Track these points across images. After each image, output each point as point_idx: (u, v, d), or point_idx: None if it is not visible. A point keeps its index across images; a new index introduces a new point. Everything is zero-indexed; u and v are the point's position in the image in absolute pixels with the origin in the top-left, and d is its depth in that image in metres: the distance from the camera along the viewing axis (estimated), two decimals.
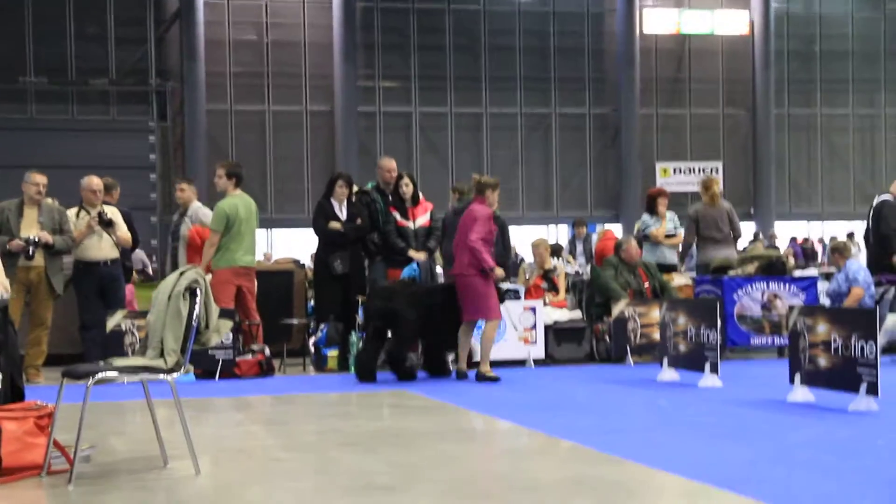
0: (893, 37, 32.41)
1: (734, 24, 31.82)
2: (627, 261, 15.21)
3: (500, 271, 12.90)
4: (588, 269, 17.70)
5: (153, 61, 27.90)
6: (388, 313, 12.67)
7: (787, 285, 15.36)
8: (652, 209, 17.03)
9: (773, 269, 15.86)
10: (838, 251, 16.28)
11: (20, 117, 26.39)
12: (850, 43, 32.25)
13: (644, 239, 16.73)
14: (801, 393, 10.05)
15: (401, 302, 12.70)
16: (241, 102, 28.47)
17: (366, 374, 12.59)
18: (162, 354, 6.93)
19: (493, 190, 12.77)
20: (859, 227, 28.89)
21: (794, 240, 29.24)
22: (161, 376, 6.88)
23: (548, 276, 16.42)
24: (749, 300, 15.18)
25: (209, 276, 12.65)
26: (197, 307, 6.89)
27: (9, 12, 26.60)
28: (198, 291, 6.91)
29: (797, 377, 10.14)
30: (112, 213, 13.54)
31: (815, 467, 6.87)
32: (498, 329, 13.89)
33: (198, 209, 14.58)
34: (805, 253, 28.46)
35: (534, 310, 14.40)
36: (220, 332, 8.63)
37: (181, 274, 7.08)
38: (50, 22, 27.14)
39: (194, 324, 6.87)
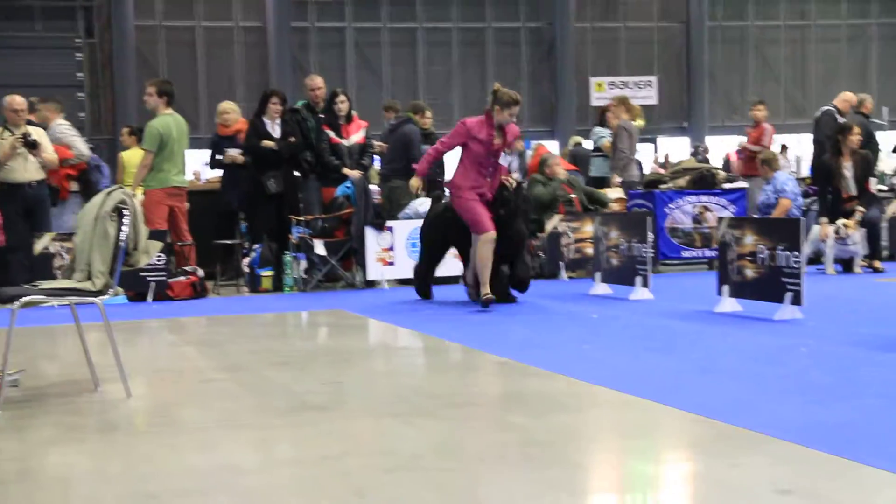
0: None
1: None
2: (550, 176, 15.28)
3: (414, 181, 12.11)
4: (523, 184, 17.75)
5: None
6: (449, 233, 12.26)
7: (717, 198, 15.49)
8: (603, 122, 17.19)
9: (703, 181, 15.99)
10: (767, 163, 16.42)
11: None
12: None
13: (597, 151, 16.86)
14: (729, 304, 10.22)
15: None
16: (170, 18, 28.07)
17: (424, 290, 12.57)
18: (90, 277, 6.86)
19: (502, 108, 11.66)
20: (791, 140, 29.22)
21: (739, 152, 29.37)
22: (89, 299, 6.81)
23: None
24: (680, 213, 15.32)
25: (140, 197, 12.66)
26: (125, 228, 6.81)
27: None
28: (125, 212, 6.81)
29: (725, 289, 10.31)
30: (38, 134, 13.27)
31: (740, 375, 6.98)
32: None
33: (55, 127, 14.29)
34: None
35: None
36: (150, 254, 8.56)
37: (108, 194, 6.97)
38: None
39: (122, 245, 6.78)
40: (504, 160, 12.44)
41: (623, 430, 5.70)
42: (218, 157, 14.82)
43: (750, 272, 9.97)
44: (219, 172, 15.55)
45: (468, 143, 11.49)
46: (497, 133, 11.54)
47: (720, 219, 11.73)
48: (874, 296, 11.80)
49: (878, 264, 14.57)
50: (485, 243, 11.37)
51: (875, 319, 9.44)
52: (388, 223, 14.09)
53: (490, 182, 11.64)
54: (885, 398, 6.05)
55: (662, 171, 20.83)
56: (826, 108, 16.83)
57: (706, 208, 15.17)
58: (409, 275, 13.82)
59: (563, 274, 14.31)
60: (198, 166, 21.98)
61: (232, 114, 15.15)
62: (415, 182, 11.95)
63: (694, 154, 27.59)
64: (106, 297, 6.87)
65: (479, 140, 11.44)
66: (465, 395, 6.70)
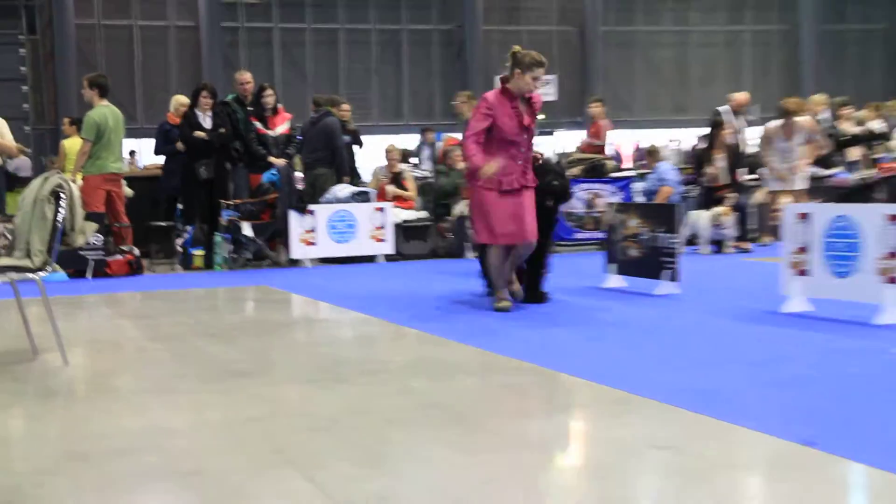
0: None
1: None
2: (451, 167, 15.33)
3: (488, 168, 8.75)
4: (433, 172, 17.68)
5: None
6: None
7: (606, 185, 15.64)
8: None
9: (595, 171, 16.14)
10: (651, 154, 16.72)
11: None
12: None
13: None
14: (615, 280, 10.36)
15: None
16: (108, 17, 27.64)
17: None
18: (29, 255, 6.81)
19: (524, 71, 8.86)
20: (675, 134, 29.55)
21: (637, 144, 29.50)
22: (29, 275, 6.75)
23: (397, 178, 16.47)
24: (574, 199, 15.44)
25: (80, 182, 12.52)
26: (62, 210, 6.77)
27: None
28: (62, 195, 6.78)
29: (612, 267, 10.45)
30: None
31: (623, 344, 7.09)
32: (353, 229, 14.05)
33: None
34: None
35: (383, 210, 14.44)
36: (86, 234, 8.51)
37: (45, 179, 6.93)
38: None
39: (59, 226, 6.73)
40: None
41: (515, 394, 5.75)
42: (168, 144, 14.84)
43: (634, 252, 10.09)
44: (160, 160, 15.49)
45: (494, 121, 8.81)
46: (522, 104, 8.95)
47: (608, 204, 11.85)
48: (742, 273, 11.98)
49: (746, 245, 14.87)
50: (496, 254, 9.04)
51: (742, 294, 9.63)
52: (311, 207, 14.03)
53: (522, 167, 8.94)
54: (749, 365, 6.18)
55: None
56: (723, 107, 17.07)
57: (597, 195, 15.31)
58: (330, 254, 13.87)
59: (468, 254, 14.33)
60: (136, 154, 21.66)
61: (184, 108, 14.98)
62: (488, 168, 8.61)
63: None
64: (44, 273, 6.80)
65: (504, 116, 8.84)
66: (375, 362, 6.73)
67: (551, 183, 9.33)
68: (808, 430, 4.53)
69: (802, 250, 8.22)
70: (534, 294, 9.42)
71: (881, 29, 35.13)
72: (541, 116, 8.01)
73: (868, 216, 7.69)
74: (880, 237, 7.55)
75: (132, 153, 21.08)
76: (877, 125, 17.33)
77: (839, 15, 34.15)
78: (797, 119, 14.13)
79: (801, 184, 13.86)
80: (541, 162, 9.49)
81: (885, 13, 35.01)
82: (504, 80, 9.00)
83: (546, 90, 30.98)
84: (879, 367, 5.98)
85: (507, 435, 4.89)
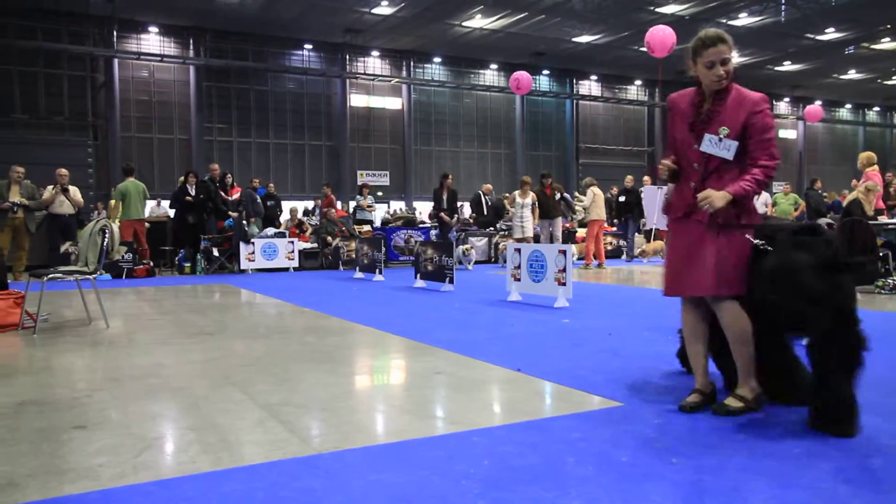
0: (473, 111, 33.44)
1: (395, 104, 32.00)
2: (331, 219, 15.23)
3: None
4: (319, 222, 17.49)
5: (90, 108, 25.70)
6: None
7: (417, 231, 15.76)
8: (362, 192, 17.11)
9: (410, 223, 16.26)
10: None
11: (11, 136, 23.89)
12: (447, 113, 33.12)
13: (358, 207, 16.75)
14: (420, 283, 10.34)
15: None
16: (139, 132, 26.56)
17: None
18: (87, 265, 6.59)
19: (694, 58, 3.30)
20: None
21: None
22: (87, 276, 6.53)
23: (300, 225, 16.28)
24: (398, 238, 15.49)
25: (118, 224, 12.03)
26: (106, 239, 6.56)
27: (4, 73, 24.14)
28: (106, 231, 6.59)
29: (419, 276, 10.44)
30: (73, 190, 12.69)
31: (422, 317, 7.06)
32: (276, 252, 13.75)
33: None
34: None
35: (293, 242, 14.19)
36: (119, 253, 8.30)
37: (97, 221, 6.81)
38: (29, 82, 24.75)
39: (105, 248, 6.52)
40: (717, 148, 3.27)
41: (361, 345, 5.77)
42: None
43: (430, 266, 10.20)
44: (163, 210, 15.09)
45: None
46: (707, 100, 3.33)
47: (417, 241, 11.95)
48: (489, 280, 12.22)
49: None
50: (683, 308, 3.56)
51: (486, 291, 9.72)
52: (252, 240, 13.69)
53: (692, 191, 3.35)
54: (486, 327, 6.30)
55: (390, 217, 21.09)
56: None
57: (411, 236, 15.40)
58: (262, 266, 13.58)
59: (341, 266, 14.18)
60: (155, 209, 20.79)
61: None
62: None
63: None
64: (95, 275, 6.55)
65: (678, 120, 3.46)
66: (285, 326, 6.65)
67: None
68: (518, 363, 4.69)
69: (517, 268, 8.48)
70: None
71: None
72: (724, 131, 3.22)
73: (549, 251, 7.98)
74: (555, 261, 7.84)
75: (158, 204, 20.26)
76: None
77: None
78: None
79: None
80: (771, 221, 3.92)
81: None
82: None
83: (383, 181, 31.28)
84: (555, 329, 6.18)
85: (356, 367, 4.92)
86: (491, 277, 12.00)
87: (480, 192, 17.47)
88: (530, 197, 13.91)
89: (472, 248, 14.69)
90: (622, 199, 16.42)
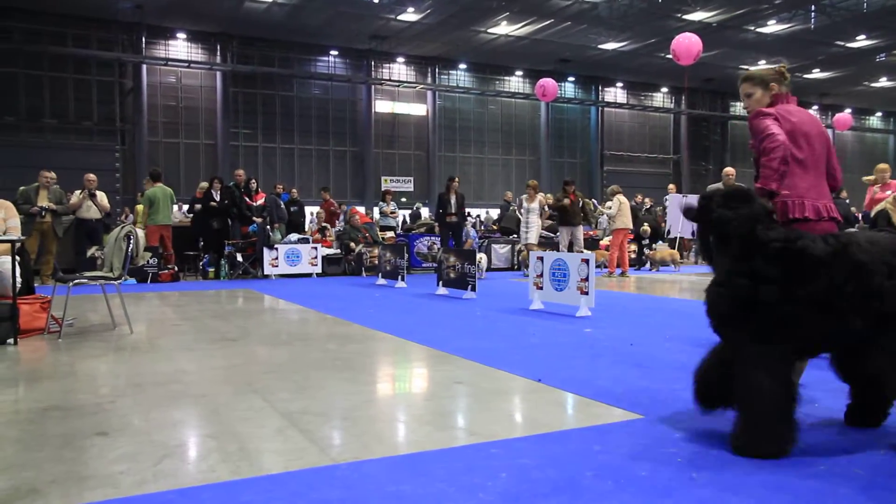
0: (497, 118, 33.52)
1: (419, 110, 32.13)
2: (355, 225, 15.26)
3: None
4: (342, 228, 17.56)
5: (119, 113, 26.14)
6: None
7: (437, 237, 15.75)
8: (385, 198, 17.18)
9: (431, 230, 16.25)
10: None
11: (40, 140, 24.37)
12: (472, 119, 33.17)
13: (382, 215, 16.80)
14: (442, 290, 10.32)
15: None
16: (166, 137, 26.96)
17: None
18: (112, 270, 6.68)
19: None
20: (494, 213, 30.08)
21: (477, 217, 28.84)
22: (111, 281, 6.61)
23: (323, 230, 16.36)
24: (421, 244, 15.53)
25: (144, 229, 12.20)
26: (131, 244, 6.64)
27: (35, 79, 24.64)
28: (131, 237, 6.67)
29: (440, 282, 10.43)
30: (100, 195, 12.86)
31: (444, 326, 7.04)
32: (299, 258, 13.80)
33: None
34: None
35: (315, 248, 14.26)
36: (144, 258, 8.41)
37: (122, 227, 6.91)
38: (58, 87, 25.22)
39: (130, 254, 6.61)
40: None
41: (386, 353, 5.78)
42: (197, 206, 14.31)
43: (452, 274, 10.20)
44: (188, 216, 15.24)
45: None
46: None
47: (439, 248, 11.94)
48: (511, 287, 12.19)
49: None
50: None
51: (508, 298, 9.66)
52: (276, 245, 13.80)
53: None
54: (507, 337, 6.29)
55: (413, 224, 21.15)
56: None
57: (434, 242, 15.41)
58: (286, 272, 13.66)
59: (363, 273, 14.22)
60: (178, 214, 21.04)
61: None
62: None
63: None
64: (120, 280, 6.63)
65: None
66: (307, 333, 6.67)
67: None
68: (539, 373, 4.67)
69: (540, 276, 8.45)
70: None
71: None
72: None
73: (572, 259, 7.95)
74: (577, 270, 7.81)
75: (180, 209, 20.51)
76: None
77: None
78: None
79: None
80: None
81: None
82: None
83: (406, 186, 31.37)
84: (577, 338, 6.14)
85: (376, 375, 4.92)
86: (513, 285, 11.94)
87: (507, 201, 17.51)
88: (537, 202, 13.65)
89: (482, 257, 14.05)
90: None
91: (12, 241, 6.17)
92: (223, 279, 13.39)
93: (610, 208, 13.90)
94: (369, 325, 7.03)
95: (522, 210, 13.85)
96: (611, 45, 29.15)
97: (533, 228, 13.60)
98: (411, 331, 6.64)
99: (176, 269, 13.12)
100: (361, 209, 23.72)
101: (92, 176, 12.97)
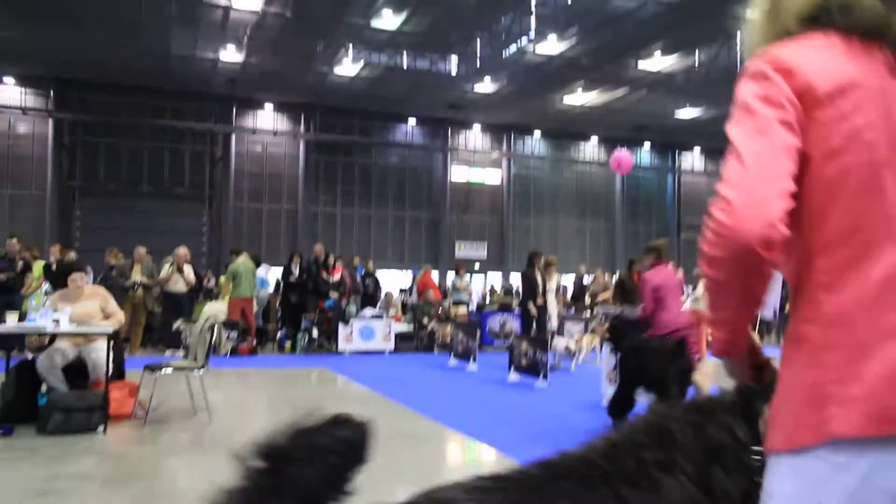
0: (572, 184, 33.48)
1: (494, 177, 32.44)
2: (429, 301, 15.38)
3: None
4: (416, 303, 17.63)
5: (208, 180, 27.49)
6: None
7: (512, 315, 15.61)
8: (458, 272, 17.29)
9: (507, 307, 16.19)
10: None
11: (140, 208, 25.85)
12: (546, 186, 33.23)
13: (454, 289, 16.86)
14: (514, 376, 10.19)
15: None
16: (251, 203, 28.10)
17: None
18: (196, 359, 6.97)
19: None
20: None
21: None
22: (194, 372, 6.90)
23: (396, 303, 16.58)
24: (494, 322, 15.49)
25: (227, 303, 12.62)
26: (214, 335, 6.93)
27: (136, 150, 26.25)
28: (214, 329, 6.97)
29: (512, 367, 10.31)
30: (187, 269, 13.32)
31: (509, 422, 6.92)
32: (373, 334, 13.96)
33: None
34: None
35: (389, 325, 14.45)
36: (225, 349, 8.67)
37: (206, 319, 7.20)
38: (156, 157, 26.75)
39: (213, 344, 6.89)
40: None
41: (453, 455, 5.77)
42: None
43: (524, 361, 10.07)
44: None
45: None
46: None
47: (513, 329, 11.86)
48: (584, 376, 11.95)
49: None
50: None
51: (580, 389, 9.41)
52: (351, 320, 14.06)
53: None
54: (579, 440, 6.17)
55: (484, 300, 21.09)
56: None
57: (506, 321, 15.32)
58: (360, 348, 13.74)
59: (436, 350, 14.27)
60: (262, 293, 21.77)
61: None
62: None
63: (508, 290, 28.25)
64: (202, 370, 6.91)
65: None
66: (375, 429, 6.72)
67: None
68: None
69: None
70: None
71: None
72: None
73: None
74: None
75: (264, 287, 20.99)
76: None
77: None
78: None
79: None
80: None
81: None
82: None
83: (479, 252, 31.26)
84: None
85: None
86: (584, 373, 11.56)
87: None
88: (555, 280, 12.92)
89: (578, 340, 12.58)
90: None
91: (108, 335, 6.54)
92: (299, 353, 13.67)
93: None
94: (439, 420, 7.04)
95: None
96: (688, 113, 28.99)
97: (551, 310, 12.85)
98: (481, 428, 6.59)
99: (255, 342, 13.49)
100: (435, 273, 24.00)
101: (182, 251, 13.44)
